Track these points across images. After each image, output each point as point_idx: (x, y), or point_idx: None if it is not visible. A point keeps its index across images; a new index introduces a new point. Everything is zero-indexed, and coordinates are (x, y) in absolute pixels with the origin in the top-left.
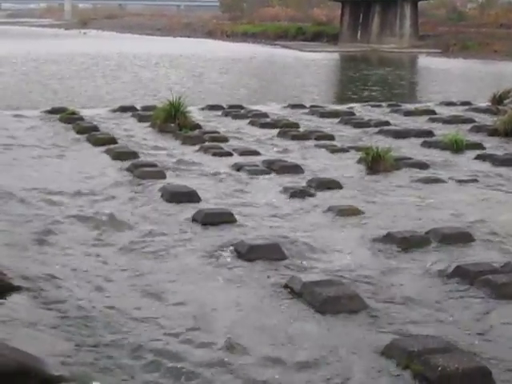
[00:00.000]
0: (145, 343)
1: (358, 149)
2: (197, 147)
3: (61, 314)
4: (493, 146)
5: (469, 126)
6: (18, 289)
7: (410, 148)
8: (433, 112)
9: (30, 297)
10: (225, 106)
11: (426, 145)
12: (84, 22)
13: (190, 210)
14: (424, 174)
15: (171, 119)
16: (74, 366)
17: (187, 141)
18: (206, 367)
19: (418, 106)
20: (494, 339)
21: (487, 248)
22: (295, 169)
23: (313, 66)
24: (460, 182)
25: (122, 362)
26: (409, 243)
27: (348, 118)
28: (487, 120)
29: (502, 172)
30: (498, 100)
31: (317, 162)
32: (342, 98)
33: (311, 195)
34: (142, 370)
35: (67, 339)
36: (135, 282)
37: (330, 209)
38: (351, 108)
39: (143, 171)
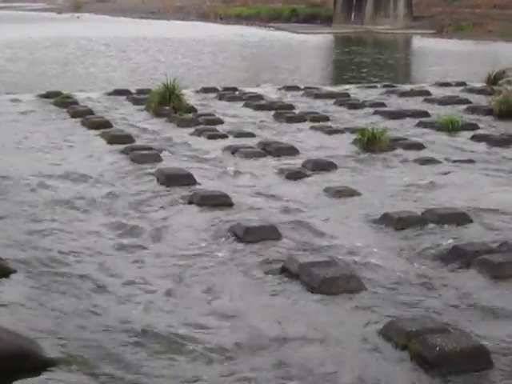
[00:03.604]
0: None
1: (353, 130)
2: (192, 130)
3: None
4: (488, 126)
5: (464, 107)
6: (14, 271)
7: (405, 129)
8: (428, 93)
9: (26, 278)
10: (219, 89)
11: (421, 125)
12: (77, 5)
13: (185, 193)
14: (419, 154)
15: (166, 102)
16: (71, 348)
17: (182, 123)
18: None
19: (413, 86)
20: (490, 318)
21: (484, 228)
22: (290, 150)
23: (307, 48)
24: (455, 162)
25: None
26: (405, 224)
27: (343, 100)
28: (482, 100)
29: (498, 152)
30: (493, 80)
31: (312, 143)
32: (336, 80)
33: (307, 176)
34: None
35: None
36: (128, 259)
37: (325, 190)
38: (346, 89)
39: (138, 154)
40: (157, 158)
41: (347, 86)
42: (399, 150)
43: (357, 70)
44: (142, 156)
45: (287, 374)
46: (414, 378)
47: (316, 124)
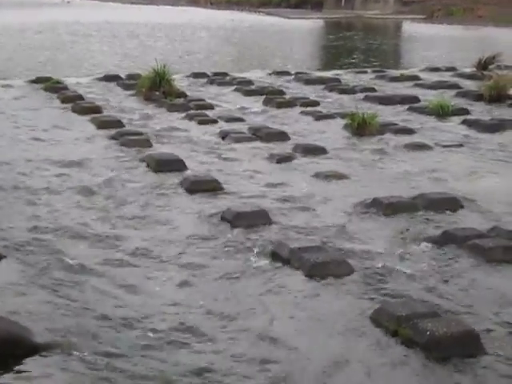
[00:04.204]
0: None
1: (343, 115)
2: (182, 115)
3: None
4: (478, 111)
5: (454, 92)
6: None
7: (395, 114)
8: (418, 78)
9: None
10: (209, 74)
11: (411, 110)
12: None
13: (176, 178)
14: (410, 139)
15: (156, 87)
16: (61, 333)
17: (172, 109)
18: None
19: (403, 71)
20: (481, 303)
21: (474, 213)
22: (281, 135)
23: (297, 33)
24: (446, 147)
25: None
26: (395, 209)
27: (333, 85)
28: (472, 85)
29: (488, 137)
30: (483, 65)
31: (302, 128)
32: (327, 65)
33: (297, 161)
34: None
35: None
36: (118, 247)
37: (316, 174)
38: (337, 74)
39: (129, 139)
40: (147, 144)
41: (338, 71)
42: (389, 135)
43: (347, 55)
44: (132, 141)
45: (270, 356)
46: (404, 363)
47: (306, 109)
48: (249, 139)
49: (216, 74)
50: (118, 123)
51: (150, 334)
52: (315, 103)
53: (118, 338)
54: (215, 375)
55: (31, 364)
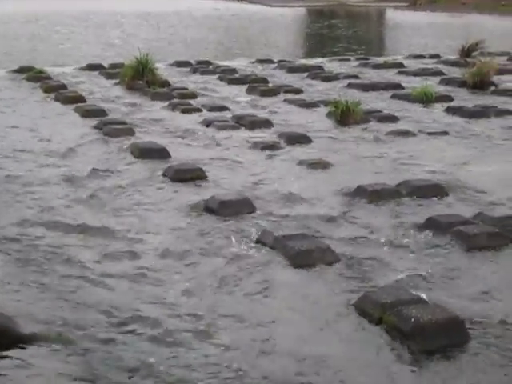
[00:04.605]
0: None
1: (327, 103)
2: (165, 104)
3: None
4: (462, 98)
5: (438, 79)
6: None
7: (379, 101)
8: (401, 65)
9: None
10: (193, 63)
11: (395, 97)
12: None
13: (160, 167)
14: (394, 126)
15: (139, 76)
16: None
17: (156, 97)
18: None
19: (386, 59)
20: (465, 289)
21: (458, 200)
22: (264, 123)
23: (280, 21)
24: (430, 134)
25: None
26: (380, 196)
27: (317, 73)
28: (456, 72)
29: (472, 124)
30: (467, 52)
31: (286, 116)
32: (310, 53)
33: (281, 149)
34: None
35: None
36: (102, 236)
37: (300, 162)
38: (320, 62)
39: (112, 128)
40: (130, 132)
41: (321, 59)
42: (373, 123)
43: (330, 43)
44: (116, 130)
45: (254, 347)
46: (388, 350)
47: (290, 97)
48: (232, 127)
49: (199, 62)
50: (101, 112)
51: (135, 326)
52: (299, 91)
53: (106, 327)
54: None
55: (16, 355)
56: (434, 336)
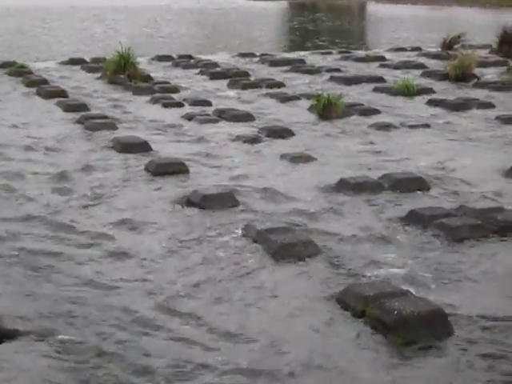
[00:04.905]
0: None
1: (309, 96)
2: (147, 98)
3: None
4: (444, 90)
5: (420, 72)
6: None
7: (361, 94)
8: (383, 58)
9: None
10: (174, 57)
11: (377, 91)
12: None
13: (142, 161)
14: (376, 119)
15: (121, 71)
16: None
17: (138, 92)
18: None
19: (368, 52)
20: (448, 281)
21: (440, 192)
22: (247, 117)
23: (262, 15)
24: (412, 127)
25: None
26: (362, 189)
27: (299, 66)
28: (438, 65)
29: (454, 116)
30: (448, 45)
31: (268, 110)
32: (292, 46)
33: (263, 143)
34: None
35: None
36: (83, 232)
37: (282, 156)
38: (302, 56)
39: (94, 123)
40: (112, 127)
41: (303, 53)
42: (355, 116)
43: (312, 36)
44: (98, 124)
45: (237, 339)
46: (371, 343)
47: (272, 91)
48: (214, 121)
49: (181, 56)
50: (83, 107)
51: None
52: (280, 84)
53: (90, 322)
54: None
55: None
56: (416, 328)
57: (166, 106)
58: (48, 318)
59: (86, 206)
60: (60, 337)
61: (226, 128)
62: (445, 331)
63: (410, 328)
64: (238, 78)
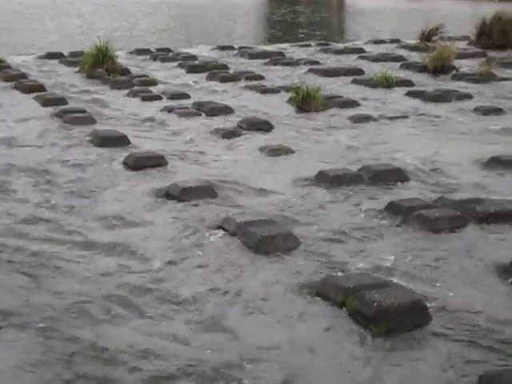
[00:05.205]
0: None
1: (287, 88)
2: (126, 91)
3: None
4: (423, 82)
5: (398, 64)
6: None
7: (340, 86)
8: (362, 50)
9: None
10: (153, 50)
11: (356, 83)
12: None
13: (120, 155)
14: (355, 111)
15: (99, 64)
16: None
17: (116, 85)
18: None
19: (347, 44)
20: (427, 273)
21: (419, 184)
22: (225, 110)
23: (240, 8)
24: (391, 119)
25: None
26: (341, 181)
27: (277, 59)
28: (417, 57)
29: (433, 108)
30: (427, 37)
31: (247, 102)
32: (271, 39)
33: (242, 135)
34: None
35: None
36: (60, 227)
37: (261, 149)
38: (281, 48)
39: (73, 117)
40: (91, 121)
41: (281, 45)
42: (334, 108)
43: (291, 29)
44: (76, 118)
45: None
46: (350, 334)
47: (251, 83)
48: (193, 114)
49: (159, 49)
50: (61, 101)
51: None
52: (259, 77)
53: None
54: None
55: None
56: (396, 319)
57: (144, 99)
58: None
59: (63, 200)
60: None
61: (205, 121)
62: (425, 322)
63: (390, 319)
64: (216, 71)
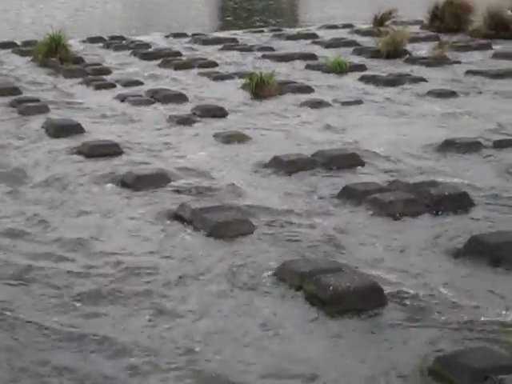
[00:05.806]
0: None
1: (241, 75)
2: (79, 80)
3: None
4: (376, 67)
5: (351, 49)
6: None
7: (293, 72)
8: (315, 36)
9: None
10: (106, 38)
11: (309, 68)
12: None
13: (75, 143)
14: (309, 97)
15: (53, 53)
16: None
17: (69, 74)
18: None
19: (299, 30)
20: (383, 256)
21: (373, 168)
22: (179, 97)
23: None
24: (344, 104)
25: None
26: (296, 166)
27: (231, 45)
28: (369, 42)
29: (386, 92)
30: (380, 22)
31: (201, 89)
32: (224, 26)
33: (197, 122)
34: None
35: None
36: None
37: (216, 135)
38: (234, 35)
39: (26, 106)
40: (45, 110)
41: (235, 32)
42: (288, 94)
43: (244, 15)
44: (30, 108)
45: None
46: (308, 318)
47: (204, 70)
48: (147, 102)
49: (112, 37)
50: (15, 90)
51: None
52: (213, 64)
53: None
54: None
55: None
56: (351, 303)
57: (98, 87)
58: None
59: (16, 190)
60: None
61: (160, 108)
62: (381, 305)
63: (346, 303)
64: (170, 59)
